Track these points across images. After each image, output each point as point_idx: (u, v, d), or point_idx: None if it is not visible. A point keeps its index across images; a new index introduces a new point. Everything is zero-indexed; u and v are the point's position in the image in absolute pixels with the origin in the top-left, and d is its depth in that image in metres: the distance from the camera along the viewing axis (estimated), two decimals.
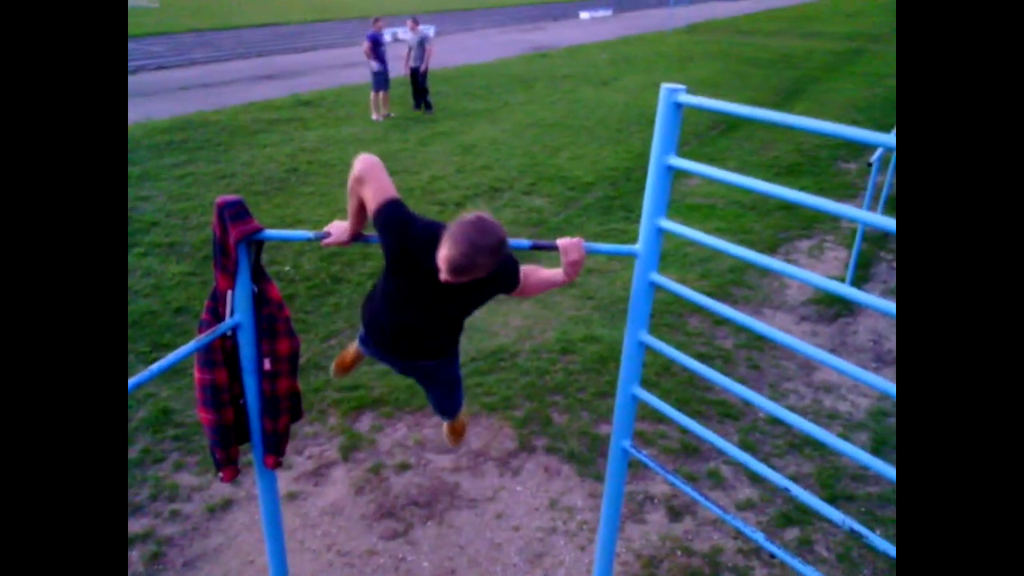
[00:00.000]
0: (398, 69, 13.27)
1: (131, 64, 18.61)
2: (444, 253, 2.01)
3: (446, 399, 2.87)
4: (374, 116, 12.39)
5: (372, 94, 12.38)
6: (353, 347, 3.01)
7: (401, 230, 2.19)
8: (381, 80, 12.21)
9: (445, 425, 3.14)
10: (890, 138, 1.60)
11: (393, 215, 2.19)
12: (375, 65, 12.03)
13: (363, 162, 2.23)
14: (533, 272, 2.38)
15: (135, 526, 3.52)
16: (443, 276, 2.05)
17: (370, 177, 2.21)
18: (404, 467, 3.96)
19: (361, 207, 2.30)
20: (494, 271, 2.13)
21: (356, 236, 2.37)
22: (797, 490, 2.02)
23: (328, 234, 2.35)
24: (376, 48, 12.11)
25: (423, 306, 2.31)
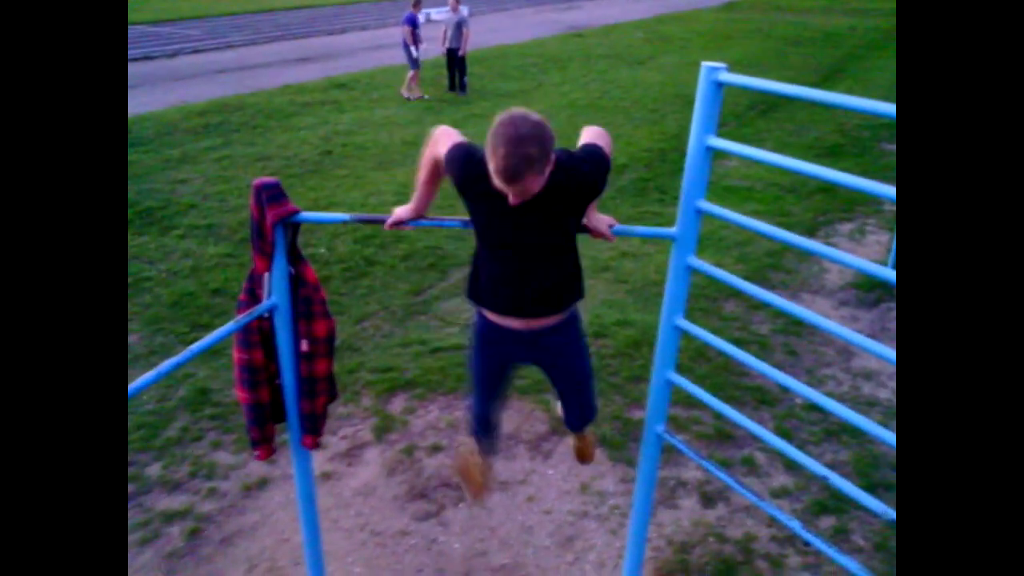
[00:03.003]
0: (433, 50, 13.28)
1: (169, 48, 18.86)
2: (492, 167, 1.90)
3: (582, 382, 2.57)
4: (404, 93, 12.44)
5: (411, 72, 12.45)
6: (468, 450, 2.72)
7: (466, 158, 2.12)
8: (415, 60, 12.27)
9: (573, 440, 2.85)
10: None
11: (458, 149, 2.15)
12: (414, 50, 12.12)
13: (437, 129, 2.26)
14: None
15: (174, 503, 3.60)
16: (510, 196, 1.94)
17: (442, 136, 2.23)
18: (436, 449, 3.98)
19: (430, 180, 2.29)
20: (562, 172, 2.00)
21: (419, 216, 2.35)
22: (836, 478, 1.97)
23: (389, 216, 2.36)
24: (414, 31, 12.17)
25: (520, 242, 2.15)
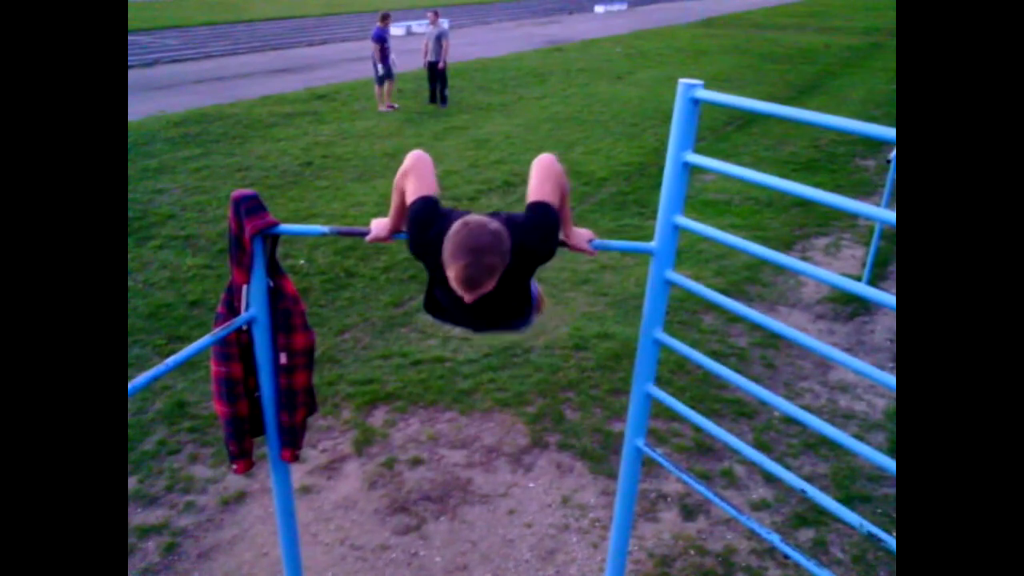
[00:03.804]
0: (414, 62, 13.36)
1: (148, 57, 18.72)
2: (451, 276, 1.87)
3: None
4: (381, 108, 12.53)
5: (376, 88, 12.59)
6: None
7: (421, 229, 2.09)
8: (386, 73, 12.47)
9: None
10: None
11: (420, 210, 2.11)
12: (380, 67, 12.29)
13: (412, 157, 2.21)
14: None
15: (150, 517, 3.54)
16: (466, 298, 1.92)
17: (414, 172, 2.18)
18: (417, 462, 3.96)
19: (404, 205, 2.27)
20: (518, 256, 1.97)
21: (396, 231, 2.36)
22: (814, 491, 2.00)
23: (369, 231, 2.36)
24: (383, 47, 12.31)
25: (471, 308, 2.13)
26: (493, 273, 1.88)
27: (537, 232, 2.07)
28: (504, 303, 2.21)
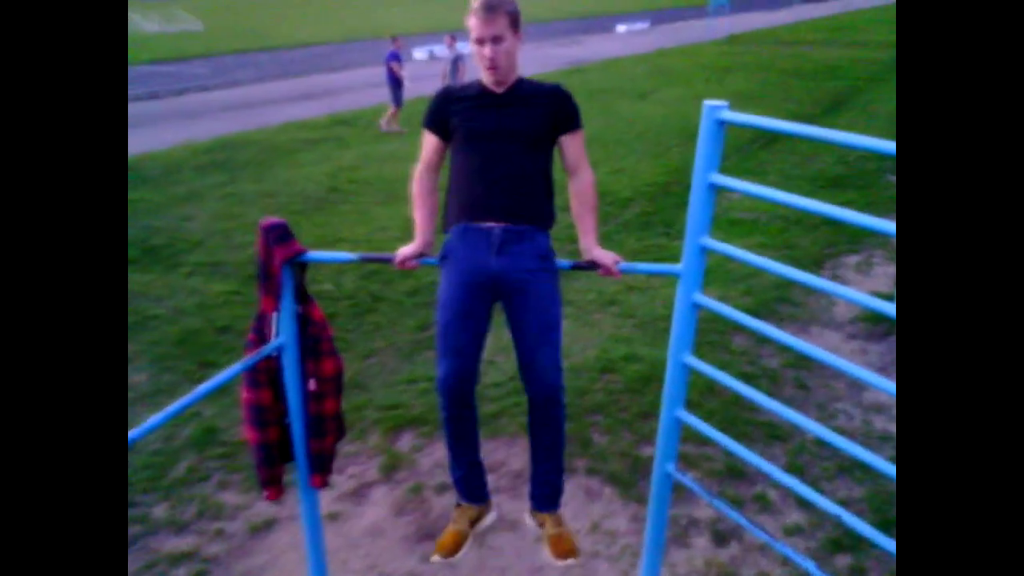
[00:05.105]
0: (437, 87, 13.58)
1: (176, 86, 19.14)
2: (472, 7, 2.33)
3: (548, 322, 2.29)
4: (383, 127, 12.93)
5: (392, 108, 13.01)
6: (451, 527, 2.51)
7: (434, 101, 2.50)
8: (400, 95, 12.92)
9: (546, 529, 2.49)
10: None
11: (426, 113, 2.51)
12: (407, 83, 12.62)
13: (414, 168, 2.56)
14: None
15: (181, 544, 3.56)
16: (484, 37, 2.34)
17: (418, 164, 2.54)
18: (444, 488, 3.93)
19: (423, 204, 2.50)
20: (543, 84, 2.50)
21: (424, 252, 2.46)
22: (849, 517, 1.94)
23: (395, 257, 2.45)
24: (399, 66, 12.79)
25: (497, 127, 2.39)
26: (505, 4, 2.32)
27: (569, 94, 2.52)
28: (526, 125, 2.40)
